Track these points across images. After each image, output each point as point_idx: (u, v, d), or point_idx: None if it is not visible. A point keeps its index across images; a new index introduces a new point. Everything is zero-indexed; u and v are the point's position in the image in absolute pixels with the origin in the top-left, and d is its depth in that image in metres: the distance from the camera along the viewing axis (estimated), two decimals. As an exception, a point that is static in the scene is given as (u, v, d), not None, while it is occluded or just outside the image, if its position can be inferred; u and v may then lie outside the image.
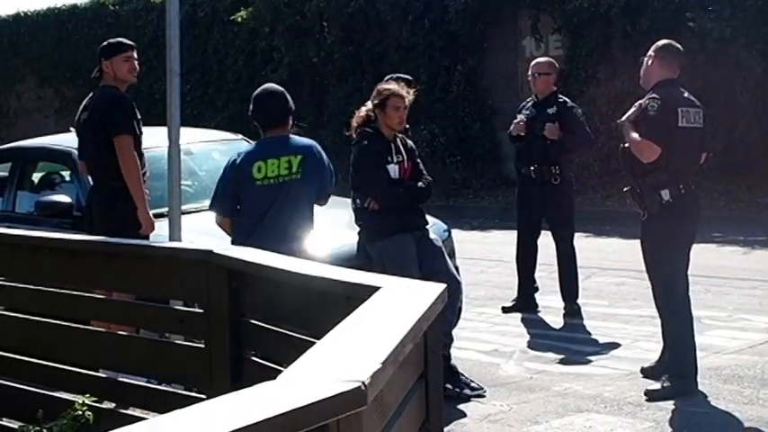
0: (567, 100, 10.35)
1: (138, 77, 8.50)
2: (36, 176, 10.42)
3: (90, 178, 8.47)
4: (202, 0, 26.41)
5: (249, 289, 4.99)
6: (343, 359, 2.73)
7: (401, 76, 8.79)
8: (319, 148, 7.55)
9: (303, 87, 24.06)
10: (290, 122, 7.55)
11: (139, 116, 8.17)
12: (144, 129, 8.23)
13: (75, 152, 8.70)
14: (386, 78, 8.61)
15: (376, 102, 8.08)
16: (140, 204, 7.92)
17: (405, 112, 8.08)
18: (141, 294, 6.29)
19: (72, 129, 9.02)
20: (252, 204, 7.28)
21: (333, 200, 9.43)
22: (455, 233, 9.73)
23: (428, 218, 8.38)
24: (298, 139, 7.51)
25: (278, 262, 4.75)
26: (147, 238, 7.80)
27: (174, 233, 7.05)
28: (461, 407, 7.60)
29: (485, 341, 9.41)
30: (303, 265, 4.66)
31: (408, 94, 8.08)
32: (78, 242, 6.43)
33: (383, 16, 22.02)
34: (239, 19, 24.88)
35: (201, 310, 5.38)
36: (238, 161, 7.37)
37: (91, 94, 8.45)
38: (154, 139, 8.60)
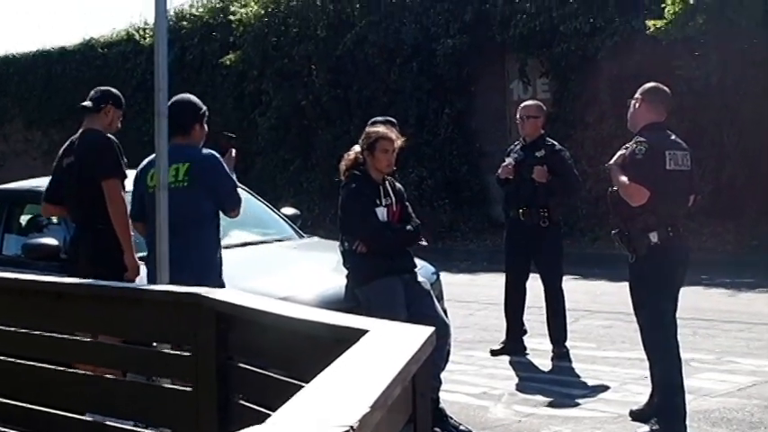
0: (555, 143, 10.38)
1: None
2: (23, 219, 10.41)
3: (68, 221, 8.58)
4: (191, 43, 26.50)
5: (237, 332, 4.97)
6: (331, 403, 2.71)
7: (389, 119, 8.82)
8: (214, 158, 7.50)
9: (291, 130, 24.17)
10: (197, 131, 7.59)
11: (125, 160, 8.23)
12: (130, 172, 8.25)
13: None
14: (373, 121, 8.65)
15: (365, 145, 8.10)
16: (127, 249, 7.93)
17: (393, 155, 8.10)
18: (129, 337, 6.26)
19: None
20: (150, 211, 7.33)
21: (321, 243, 9.40)
22: (443, 276, 9.73)
23: (416, 260, 8.38)
24: (193, 149, 7.48)
25: (266, 305, 4.73)
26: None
27: (161, 276, 7.03)
28: (450, 450, 7.57)
29: (473, 384, 9.38)
30: (291, 309, 4.65)
31: (397, 138, 8.10)
32: (65, 284, 6.40)
33: (371, 59, 22.11)
34: (228, 62, 24.99)
35: (189, 353, 5.36)
36: (139, 168, 7.61)
37: (71, 139, 8.51)
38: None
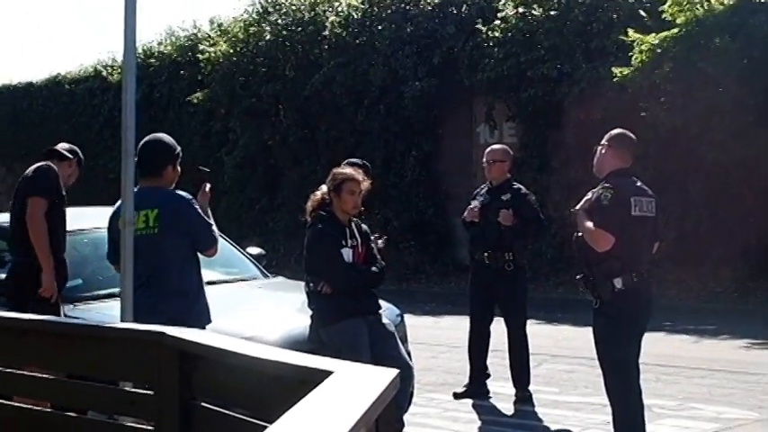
0: (521, 187, 10.42)
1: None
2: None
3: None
4: (159, 81, 26.51)
5: (201, 371, 4.95)
6: (295, 444, 2.71)
7: (357, 161, 8.85)
8: (184, 201, 7.35)
9: (258, 169, 24.18)
10: (170, 173, 7.45)
11: (64, 192, 8.22)
12: (98, 209, 8.24)
13: None
14: (346, 162, 8.68)
15: (331, 186, 8.12)
16: (45, 265, 7.98)
17: (360, 196, 8.12)
18: (91, 375, 6.22)
19: None
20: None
21: (286, 283, 9.38)
22: (408, 318, 9.72)
23: (381, 302, 8.39)
24: (162, 192, 7.34)
25: (230, 345, 4.72)
26: (55, 307, 7.86)
27: (126, 315, 6.99)
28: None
29: (436, 427, 9.36)
30: (255, 349, 4.63)
31: (364, 180, 8.11)
32: (29, 321, 6.36)
33: (339, 100, 22.17)
34: (195, 100, 24.99)
35: (152, 392, 5.33)
36: (112, 213, 7.49)
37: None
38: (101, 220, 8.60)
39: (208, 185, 7.77)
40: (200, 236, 7.36)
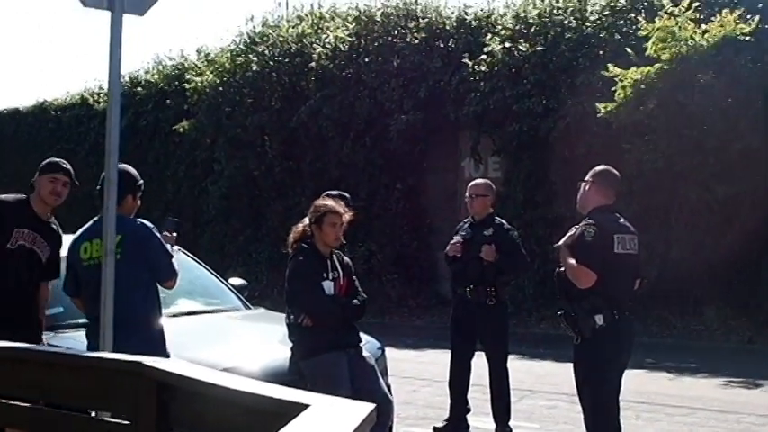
0: (504, 222, 10.41)
1: (63, 203, 8.37)
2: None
3: None
4: (145, 109, 26.54)
5: (178, 402, 4.92)
6: (268, 478, 2.69)
7: (340, 193, 8.84)
8: (147, 228, 7.36)
9: (242, 200, 24.19)
10: (129, 202, 7.42)
11: (14, 227, 8.05)
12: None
13: None
14: (326, 194, 8.67)
15: (313, 218, 8.11)
16: None
17: (341, 229, 8.10)
18: (69, 404, 6.19)
19: None
20: (85, 285, 7.32)
21: (267, 314, 9.35)
22: (389, 351, 9.69)
23: (362, 335, 8.36)
24: (126, 220, 7.27)
25: (209, 376, 4.70)
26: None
27: (106, 345, 6.95)
28: None
29: (415, 461, 9.34)
30: (233, 380, 4.61)
31: (345, 212, 8.11)
32: (4, 349, 6.32)
33: (325, 132, 22.21)
34: (181, 129, 25.00)
35: (129, 422, 5.30)
36: (72, 241, 7.47)
37: None
38: None
39: (175, 234, 7.92)
40: (160, 264, 7.38)
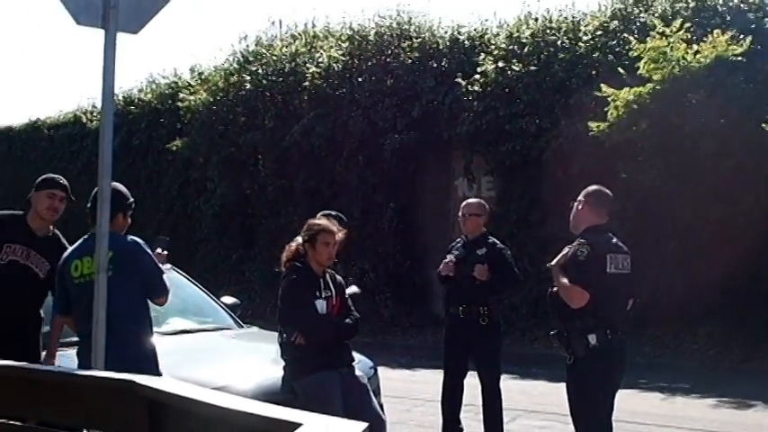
0: (497, 241, 10.41)
1: (59, 219, 8.33)
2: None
3: None
4: (138, 128, 26.54)
5: (170, 420, 4.90)
6: (260, 497, 2.68)
7: (338, 214, 8.85)
8: (137, 245, 7.35)
9: (235, 218, 24.18)
10: (119, 220, 7.38)
11: (3, 242, 8.03)
12: None
13: None
14: (321, 214, 8.68)
15: (306, 237, 8.10)
16: None
17: (334, 248, 8.10)
18: (60, 422, 6.16)
19: None
20: (76, 303, 7.28)
21: (259, 333, 9.34)
22: (382, 371, 9.67)
23: (355, 354, 8.35)
24: (116, 236, 7.21)
25: (201, 395, 4.68)
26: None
27: (98, 363, 6.93)
28: None
29: (408, 481, 9.31)
30: (225, 399, 4.60)
31: (339, 231, 8.11)
32: (-2, 367, 6.30)
33: (318, 151, 22.21)
34: (174, 148, 24.99)
35: (120, 441, 5.28)
36: (62, 260, 7.43)
37: None
38: None
39: (166, 252, 7.97)
40: (153, 280, 7.36)
